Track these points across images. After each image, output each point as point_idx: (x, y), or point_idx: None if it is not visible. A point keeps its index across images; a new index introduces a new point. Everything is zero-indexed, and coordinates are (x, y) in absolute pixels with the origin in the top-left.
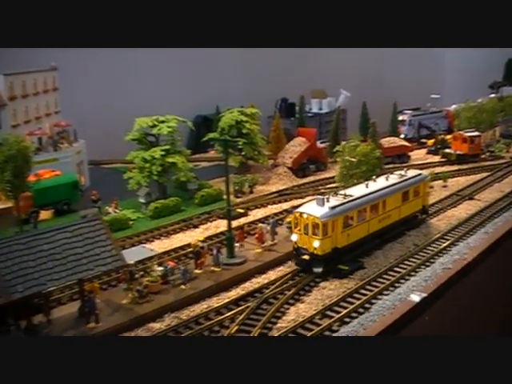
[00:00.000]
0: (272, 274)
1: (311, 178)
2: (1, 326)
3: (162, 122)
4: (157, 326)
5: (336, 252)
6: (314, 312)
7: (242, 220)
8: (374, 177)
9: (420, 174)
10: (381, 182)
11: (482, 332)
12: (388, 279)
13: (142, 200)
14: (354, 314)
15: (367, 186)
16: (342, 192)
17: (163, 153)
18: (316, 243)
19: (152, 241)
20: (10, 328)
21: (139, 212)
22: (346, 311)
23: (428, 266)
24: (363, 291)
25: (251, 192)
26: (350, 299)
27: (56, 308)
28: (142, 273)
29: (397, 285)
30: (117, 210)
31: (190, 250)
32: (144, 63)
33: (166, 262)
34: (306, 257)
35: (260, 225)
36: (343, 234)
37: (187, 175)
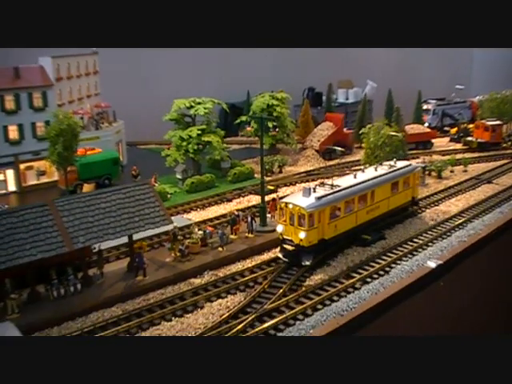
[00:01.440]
0: None
1: (337, 161)
2: (62, 276)
3: (199, 103)
4: (197, 281)
5: (323, 244)
6: (339, 272)
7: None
8: (362, 167)
9: (410, 165)
10: (370, 173)
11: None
12: (407, 248)
13: (179, 176)
14: (375, 276)
15: (355, 177)
16: (329, 182)
17: (199, 132)
18: (302, 234)
19: (189, 212)
20: (69, 277)
21: (176, 187)
22: (367, 273)
23: (444, 239)
24: (384, 257)
25: (280, 172)
26: (371, 263)
27: (107, 264)
28: (183, 237)
29: (415, 253)
30: (156, 184)
31: (226, 219)
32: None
33: (205, 227)
34: (290, 248)
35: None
36: (330, 226)
37: (221, 154)
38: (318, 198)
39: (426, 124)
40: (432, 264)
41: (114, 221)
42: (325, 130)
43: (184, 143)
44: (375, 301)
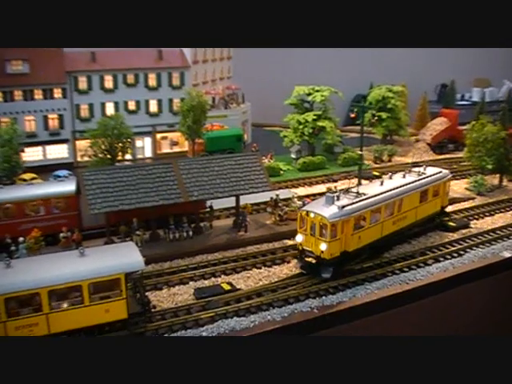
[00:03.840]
0: None
1: (447, 156)
2: (178, 223)
3: (317, 91)
4: (290, 242)
5: (345, 256)
6: (415, 249)
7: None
8: (390, 174)
9: (440, 172)
10: (397, 180)
11: None
12: (486, 238)
13: (293, 156)
14: (448, 257)
15: (382, 184)
16: (353, 190)
17: (315, 117)
18: (323, 246)
19: (297, 187)
20: (184, 225)
21: (289, 165)
22: (441, 253)
23: None
24: (462, 242)
25: (389, 161)
26: (448, 246)
27: (216, 220)
28: (283, 205)
29: (493, 243)
30: (271, 160)
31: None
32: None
33: (305, 199)
34: (311, 260)
35: None
36: (354, 237)
37: (334, 139)
38: (342, 207)
39: None
40: (507, 254)
41: (223, 182)
42: (438, 124)
43: (300, 126)
44: (441, 276)
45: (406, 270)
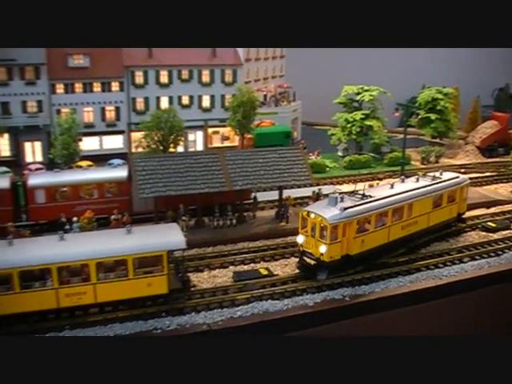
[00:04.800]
0: None
1: (496, 160)
2: (223, 211)
3: (366, 90)
4: None
5: (347, 260)
6: (452, 247)
7: None
8: (402, 177)
9: (457, 177)
10: (409, 184)
11: None
12: None
13: (340, 153)
14: (485, 255)
15: (392, 187)
16: (360, 192)
17: (363, 116)
18: (323, 248)
19: (341, 184)
20: (228, 213)
21: (336, 162)
22: (477, 251)
23: None
24: (500, 242)
25: (436, 162)
26: (485, 245)
27: (260, 211)
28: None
29: None
30: (318, 157)
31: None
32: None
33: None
34: (311, 262)
35: None
36: (356, 240)
37: (381, 138)
38: (344, 209)
39: None
40: None
41: (267, 173)
42: (488, 127)
43: (348, 125)
44: (475, 274)
45: (440, 266)
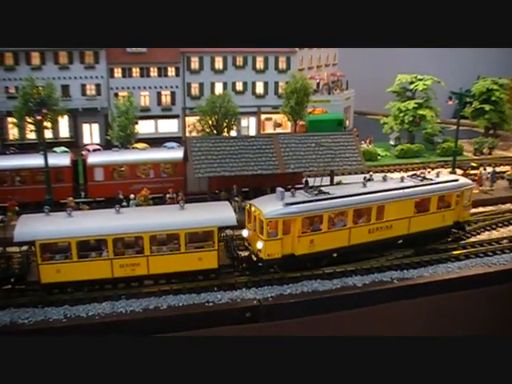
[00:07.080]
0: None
1: None
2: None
3: (420, 79)
4: None
5: (292, 260)
6: (500, 236)
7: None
8: (384, 175)
9: (456, 181)
10: (388, 184)
11: None
12: None
13: (392, 142)
14: None
15: (365, 185)
16: (317, 187)
17: (416, 105)
18: (259, 244)
19: (392, 172)
20: None
21: (387, 151)
22: None
23: None
24: None
25: (489, 153)
26: None
27: None
28: None
29: None
30: (370, 145)
31: None
32: None
33: None
34: (254, 257)
35: (481, 169)
36: (303, 240)
37: (434, 128)
38: (288, 205)
39: None
40: None
41: (319, 157)
42: None
43: (401, 114)
44: None
45: (490, 254)
